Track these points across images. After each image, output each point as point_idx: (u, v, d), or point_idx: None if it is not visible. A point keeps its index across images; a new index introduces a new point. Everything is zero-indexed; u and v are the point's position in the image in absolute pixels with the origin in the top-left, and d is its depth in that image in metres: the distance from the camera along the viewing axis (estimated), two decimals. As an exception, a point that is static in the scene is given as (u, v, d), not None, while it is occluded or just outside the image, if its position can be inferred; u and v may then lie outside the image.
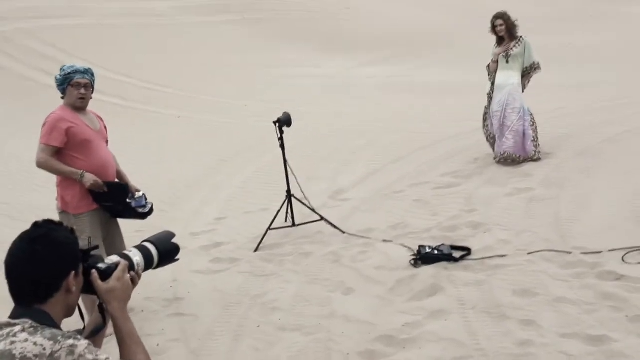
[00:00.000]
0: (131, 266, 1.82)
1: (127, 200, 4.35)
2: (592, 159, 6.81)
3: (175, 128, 11.27)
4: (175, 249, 1.93)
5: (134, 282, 1.82)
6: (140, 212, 4.41)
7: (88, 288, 1.75)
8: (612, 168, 6.47)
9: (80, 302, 1.79)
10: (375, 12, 22.38)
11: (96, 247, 1.83)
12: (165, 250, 1.90)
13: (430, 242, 5.31)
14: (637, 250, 4.59)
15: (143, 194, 4.46)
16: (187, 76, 15.08)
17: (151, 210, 4.48)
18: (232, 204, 7.15)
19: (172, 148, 9.93)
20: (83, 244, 1.79)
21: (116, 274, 1.76)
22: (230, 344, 4.00)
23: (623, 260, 4.49)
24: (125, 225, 4.62)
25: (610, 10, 21.26)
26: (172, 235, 1.96)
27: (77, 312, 1.78)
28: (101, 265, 1.76)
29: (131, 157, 8.48)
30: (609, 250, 4.65)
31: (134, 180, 4.61)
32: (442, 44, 18.48)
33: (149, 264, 1.87)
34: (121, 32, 18.19)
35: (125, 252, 1.86)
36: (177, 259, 1.93)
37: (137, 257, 1.83)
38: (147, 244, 1.88)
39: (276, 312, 4.43)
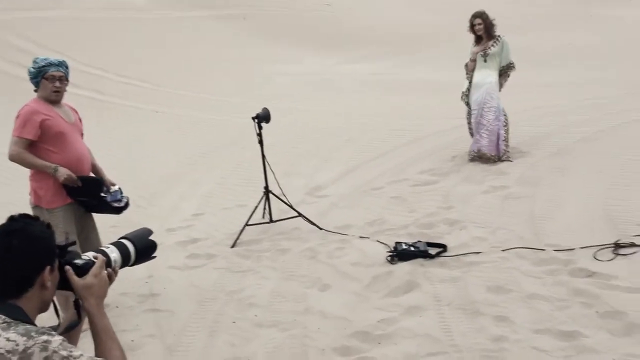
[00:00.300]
0: (108, 263, 1.81)
1: (102, 194, 4.31)
2: (567, 158, 6.91)
3: (153, 123, 11.20)
4: (153, 246, 1.93)
5: (110, 278, 1.80)
6: (116, 207, 4.37)
7: (64, 284, 1.74)
8: (585, 167, 6.56)
9: (55, 298, 1.77)
10: (358, 9, 22.41)
11: (73, 243, 1.81)
12: (143, 247, 1.89)
13: (407, 238, 5.34)
14: (608, 247, 4.67)
15: (119, 188, 4.42)
16: (166, 71, 14.98)
17: (127, 205, 4.45)
18: (210, 199, 7.12)
19: (150, 143, 9.86)
20: (60, 239, 1.77)
21: (93, 270, 1.74)
22: (205, 340, 3.99)
23: (594, 257, 4.56)
24: (101, 220, 4.58)
25: (595, 12, 21.52)
26: (150, 232, 1.95)
27: (51, 308, 1.76)
28: (78, 261, 1.74)
29: (109, 151, 8.41)
30: (581, 248, 4.72)
31: (111, 174, 4.57)
32: (424, 42, 18.56)
33: (126, 261, 1.86)
34: (99, 25, 18.00)
35: (102, 248, 1.85)
36: (154, 257, 1.92)
37: (114, 254, 1.82)
38: (125, 241, 1.87)
39: (252, 308, 4.42)
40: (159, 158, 8.93)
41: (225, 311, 4.40)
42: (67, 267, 1.72)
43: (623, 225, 5.07)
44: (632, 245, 4.65)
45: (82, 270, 1.73)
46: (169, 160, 8.80)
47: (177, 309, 4.42)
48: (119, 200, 4.38)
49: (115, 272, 1.82)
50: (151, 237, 1.93)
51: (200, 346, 3.93)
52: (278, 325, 4.14)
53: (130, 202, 4.53)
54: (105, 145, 8.98)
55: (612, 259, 4.51)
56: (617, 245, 4.68)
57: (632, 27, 17.96)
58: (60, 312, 1.88)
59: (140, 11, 19.99)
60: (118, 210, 4.40)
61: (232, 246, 5.68)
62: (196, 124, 10.87)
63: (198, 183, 7.78)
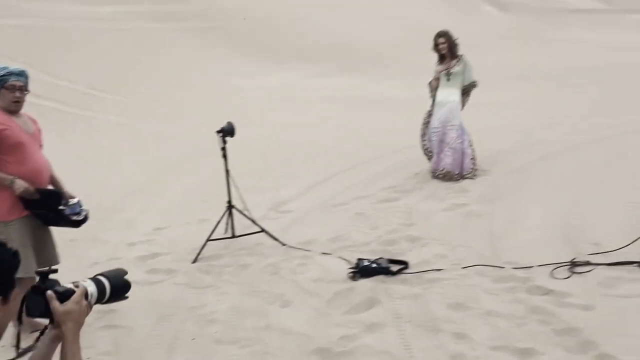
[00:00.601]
0: (85, 295, 1.84)
1: (61, 207, 4.23)
2: (526, 176, 7.05)
3: (117, 134, 11.05)
4: (127, 286, 1.98)
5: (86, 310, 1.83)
6: (74, 220, 4.28)
7: (45, 310, 1.76)
8: (544, 185, 6.71)
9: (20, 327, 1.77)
10: (326, 25, 22.58)
11: (55, 271, 1.83)
12: (118, 286, 1.95)
13: (369, 255, 5.36)
14: (564, 265, 4.76)
15: (78, 201, 4.34)
16: (131, 82, 14.82)
17: (86, 218, 4.36)
18: (172, 214, 7.05)
19: (112, 155, 9.73)
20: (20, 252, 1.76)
21: (74, 297, 1.77)
22: (164, 357, 3.93)
23: (551, 275, 4.65)
24: (59, 234, 4.48)
25: (552, 33, 22.12)
26: (125, 272, 2.01)
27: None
28: (59, 288, 1.79)
29: (70, 163, 8.25)
30: (539, 265, 4.80)
31: (71, 186, 4.49)
32: (387, 59, 18.79)
33: (100, 297, 1.90)
34: (63, 35, 17.73)
35: (80, 281, 1.89)
36: (127, 297, 1.97)
37: (91, 288, 1.86)
38: (102, 278, 1.92)
39: (213, 325, 4.38)
40: (121, 170, 8.81)
41: (185, 327, 4.34)
42: (50, 292, 1.75)
43: (579, 243, 5.18)
44: (588, 263, 4.76)
45: (64, 296, 1.77)
46: (131, 172, 8.68)
47: (135, 326, 4.34)
48: (78, 214, 4.29)
49: (90, 306, 1.84)
50: (126, 277, 1.98)
51: (159, 364, 3.86)
52: (238, 342, 4.10)
53: (90, 215, 4.45)
54: (66, 157, 8.82)
55: (568, 277, 4.60)
56: (573, 264, 4.77)
57: (594, 51, 18.51)
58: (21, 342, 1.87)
59: (105, 22, 19.78)
60: (76, 224, 4.31)
61: (194, 261, 5.62)
62: (159, 137, 10.77)
63: (160, 196, 7.70)
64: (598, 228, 5.43)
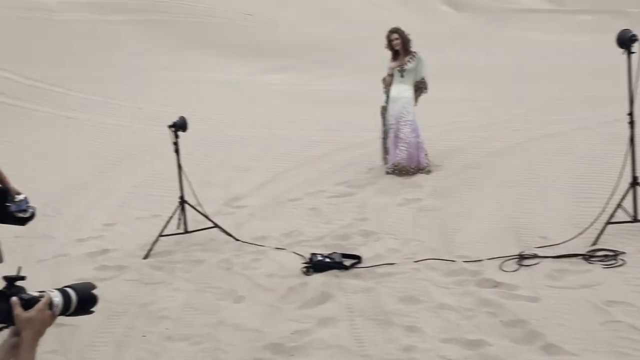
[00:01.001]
0: (50, 305, 1.79)
1: (7, 204, 4.10)
2: (477, 172, 7.17)
3: (64, 129, 10.78)
4: (94, 300, 1.95)
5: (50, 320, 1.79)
6: (20, 217, 4.16)
7: (7, 316, 1.72)
8: (494, 181, 6.84)
9: None
10: (277, 20, 22.49)
11: (22, 278, 1.78)
12: (85, 300, 1.91)
13: (323, 250, 5.38)
14: (512, 259, 4.87)
15: (24, 198, 4.21)
16: (79, 75, 14.46)
17: (32, 216, 4.24)
18: (122, 209, 6.92)
19: (60, 149, 9.48)
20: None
21: (39, 305, 1.72)
22: (112, 355, 3.86)
23: (500, 268, 4.75)
24: (4, 231, 4.34)
25: (505, 33, 22.56)
26: (94, 286, 1.97)
27: None
28: (24, 295, 1.74)
29: (15, 157, 8.01)
30: (488, 259, 4.90)
31: (16, 182, 4.35)
32: (343, 55, 18.84)
33: (65, 309, 1.85)
34: (6, 25, 17.15)
35: (47, 291, 1.84)
36: (93, 311, 1.93)
37: (57, 298, 1.81)
38: (69, 290, 1.87)
39: (164, 321, 4.32)
40: (67, 165, 8.60)
41: (134, 324, 4.27)
42: (14, 299, 1.71)
43: (527, 237, 5.30)
44: (535, 256, 4.88)
45: (29, 304, 1.73)
46: (78, 167, 8.49)
47: (82, 323, 4.23)
48: (24, 211, 4.17)
49: (54, 316, 1.80)
50: (94, 292, 1.95)
51: (107, 361, 3.79)
52: (190, 338, 4.06)
53: (37, 212, 4.32)
54: (9, 152, 8.57)
55: (516, 270, 4.71)
56: (521, 257, 4.89)
57: (545, 50, 18.95)
58: None
59: (52, 12, 19.22)
60: (22, 221, 4.19)
61: (145, 257, 5.54)
62: (109, 131, 10.55)
63: (110, 192, 7.54)
64: (545, 222, 5.57)
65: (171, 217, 5.84)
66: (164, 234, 5.73)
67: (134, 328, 4.22)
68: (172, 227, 5.86)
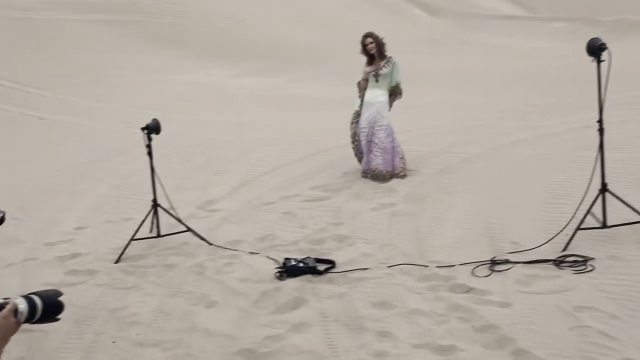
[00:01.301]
0: (15, 312, 1.78)
1: None
2: (450, 177, 7.22)
3: (36, 130, 10.61)
4: (60, 308, 1.92)
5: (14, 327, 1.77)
6: None
7: None
8: (467, 186, 6.89)
9: None
10: (254, 23, 22.43)
11: None
12: (51, 307, 1.89)
13: (297, 254, 5.37)
14: (485, 264, 4.91)
15: None
16: (52, 75, 14.25)
17: (2, 219, 4.17)
18: (94, 212, 6.83)
19: (31, 151, 9.33)
20: None
21: (4, 312, 1.72)
22: (81, 362, 3.80)
23: (472, 273, 4.79)
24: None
25: (479, 38, 22.76)
26: (60, 294, 1.94)
27: None
28: None
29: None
30: (461, 264, 4.94)
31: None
32: (317, 59, 18.85)
33: (31, 316, 1.84)
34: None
35: (11, 298, 1.83)
36: (59, 319, 1.90)
37: (22, 305, 1.81)
38: (35, 297, 1.87)
39: (134, 327, 4.27)
40: (40, 167, 8.46)
41: (104, 330, 4.21)
42: None
43: (499, 242, 5.35)
44: (507, 262, 4.93)
45: None
46: (49, 169, 8.36)
47: (50, 330, 4.17)
48: None
49: (19, 324, 1.78)
50: (60, 299, 1.92)
51: (75, 368, 3.73)
52: (161, 344, 4.02)
53: (7, 215, 4.24)
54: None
55: (488, 275, 4.75)
56: (493, 262, 4.93)
57: (517, 56, 19.17)
58: None
59: (26, 11, 18.92)
60: None
61: (116, 261, 5.48)
62: (82, 132, 10.41)
63: (81, 194, 7.44)
64: (516, 228, 5.63)
65: (143, 221, 5.79)
66: (136, 237, 5.67)
67: (104, 334, 4.16)
68: (144, 231, 5.81)
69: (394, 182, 7.21)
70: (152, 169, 5.85)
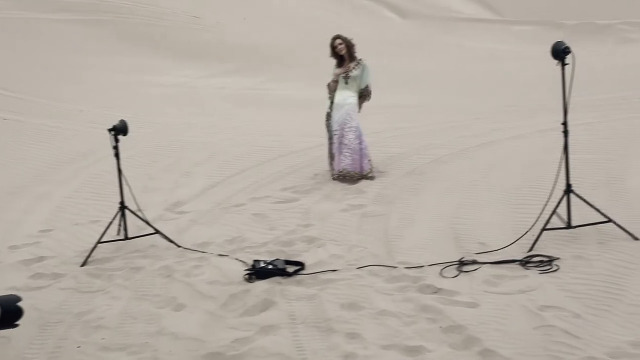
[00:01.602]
0: None
1: None
2: (420, 179, 7.27)
3: (0, 131, 10.38)
4: (19, 313, 1.87)
5: None
6: None
7: None
8: (436, 187, 6.95)
9: None
10: (226, 23, 22.31)
11: None
12: (9, 313, 1.83)
13: (267, 256, 5.35)
14: (453, 265, 4.96)
15: None
16: (17, 75, 13.97)
17: None
18: (60, 214, 6.72)
19: (-6, 152, 9.13)
20: None
21: None
22: (45, 367, 3.73)
23: (441, 274, 4.83)
24: None
25: (449, 41, 22.97)
26: (19, 299, 1.90)
27: None
28: None
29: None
30: (429, 265, 4.97)
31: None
32: (291, 60, 18.83)
33: None
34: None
35: None
36: (18, 324, 1.85)
37: None
38: None
39: (100, 331, 4.21)
40: (4, 168, 8.29)
41: (69, 335, 4.14)
42: None
43: (467, 243, 5.41)
44: (474, 262, 4.98)
45: None
46: (16, 171, 8.19)
47: (13, 335, 4.06)
48: None
49: None
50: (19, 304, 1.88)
51: (38, 374, 3.66)
52: (127, 348, 3.97)
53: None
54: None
55: (456, 276, 4.79)
56: (461, 263, 4.98)
57: (485, 59, 19.40)
58: None
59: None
60: None
61: (82, 265, 5.40)
62: (48, 133, 10.22)
63: (47, 196, 7.31)
64: (484, 228, 5.70)
65: (110, 223, 5.72)
66: (102, 240, 5.60)
67: (68, 339, 4.09)
68: (111, 233, 5.74)
69: (364, 183, 7.24)
70: (119, 171, 5.78)
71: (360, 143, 7.40)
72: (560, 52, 5.01)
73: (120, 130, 5.73)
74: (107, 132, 5.72)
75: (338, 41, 7.39)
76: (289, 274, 4.99)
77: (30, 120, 11.01)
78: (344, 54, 7.40)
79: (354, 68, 7.41)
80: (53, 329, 4.22)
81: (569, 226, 5.21)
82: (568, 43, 5.09)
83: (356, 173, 7.36)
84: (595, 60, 15.33)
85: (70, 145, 9.51)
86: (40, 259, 5.58)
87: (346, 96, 7.42)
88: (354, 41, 7.48)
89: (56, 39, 17.80)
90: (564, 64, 5.04)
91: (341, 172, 7.38)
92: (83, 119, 11.20)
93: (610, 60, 17.21)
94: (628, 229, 5.16)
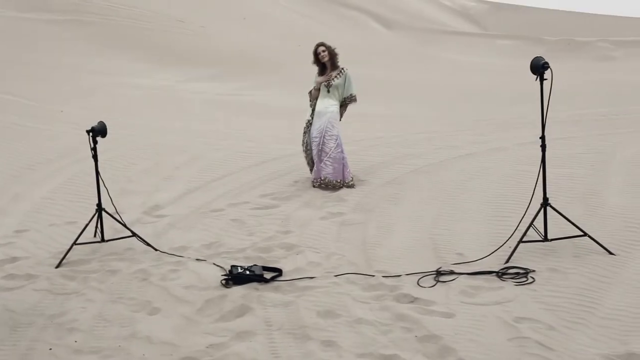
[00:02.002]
0: None
1: None
2: (399, 188, 7.30)
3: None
4: None
5: None
6: None
7: None
8: (415, 197, 6.98)
9: None
10: (209, 28, 22.27)
11: None
12: None
13: (244, 262, 5.33)
14: (430, 274, 4.98)
15: None
16: (-3, 73, 13.81)
17: None
18: (36, 215, 6.63)
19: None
20: None
21: None
22: (15, 369, 3.66)
23: (418, 284, 4.84)
24: None
25: (432, 53, 23.18)
26: None
27: None
28: None
29: None
30: (407, 274, 4.99)
31: None
32: (272, 67, 18.86)
33: None
34: None
35: None
36: None
37: None
38: None
39: (73, 334, 4.15)
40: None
41: (41, 337, 4.08)
42: None
43: (444, 253, 5.44)
44: (452, 272, 5.00)
45: None
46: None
47: (-16, 336, 4.03)
48: None
49: None
50: None
51: (8, 376, 3.60)
52: (99, 351, 3.92)
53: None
54: None
55: (433, 286, 4.81)
56: (439, 273, 5.00)
57: (468, 71, 19.60)
58: None
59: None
60: None
61: (57, 266, 5.33)
62: (25, 133, 10.10)
63: (23, 197, 7.21)
64: (462, 239, 5.73)
65: (87, 225, 5.66)
66: (78, 242, 5.53)
67: (41, 341, 4.03)
68: (88, 235, 5.68)
69: (344, 191, 7.25)
70: (97, 172, 5.72)
71: (341, 152, 7.42)
72: (539, 67, 5.07)
73: (98, 131, 5.68)
74: (86, 134, 5.67)
75: (322, 48, 7.41)
76: (266, 280, 4.98)
77: (8, 119, 10.87)
78: (326, 61, 7.43)
79: (336, 77, 7.44)
80: (25, 331, 4.15)
81: (545, 239, 5.26)
82: (548, 59, 5.16)
83: (337, 182, 7.37)
84: (574, 76, 15.56)
85: (48, 145, 9.41)
86: (14, 259, 5.51)
87: (328, 104, 7.44)
88: (337, 50, 7.52)
89: (37, 38, 17.64)
90: (542, 79, 5.11)
91: (323, 180, 7.38)
92: (62, 119, 11.10)
93: (589, 76, 17.49)
94: (603, 244, 5.23)
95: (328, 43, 7.54)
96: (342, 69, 7.50)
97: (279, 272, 5.15)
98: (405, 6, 31.89)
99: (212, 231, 6.14)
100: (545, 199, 5.31)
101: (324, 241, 5.85)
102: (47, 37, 17.91)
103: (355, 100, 7.53)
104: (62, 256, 5.42)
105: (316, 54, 7.43)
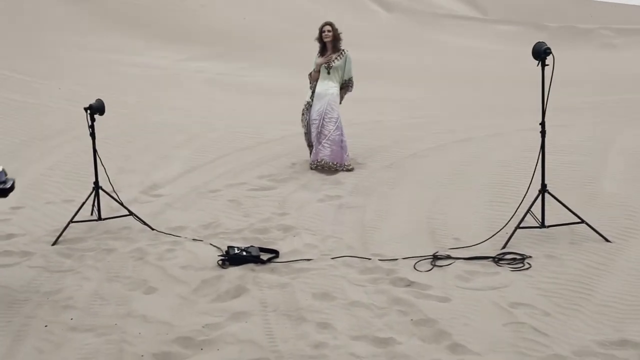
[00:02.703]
0: None
1: None
2: (398, 172, 7.28)
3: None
4: None
5: None
6: (1, 189, 3.98)
7: None
8: (413, 181, 6.97)
9: None
10: (209, 7, 22.08)
11: None
12: None
13: (241, 243, 5.33)
14: (427, 259, 4.98)
15: (2, 170, 4.03)
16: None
17: (13, 187, 4.06)
18: (32, 192, 6.61)
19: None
20: None
21: None
22: (10, 346, 3.67)
23: (414, 267, 4.85)
24: None
25: (432, 36, 23.02)
26: None
27: None
28: None
29: None
30: (403, 258, 4.99)
31: None
32: (274, 47, 18.72)
33: None
34: None
35: None
36: None
37: None
38: None
39: (69, 311, 4.16)
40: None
41: (36, 314, 4.08)
42: None
43: (442, 238, 5.44)
44: (448, 257, 5.01)
45: None
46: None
47: (-21, 312, 4.03)
48: (4, 182, 4.01)
49: None
50: None
51: (2, 353, 3.60)
52: (95, 329, 3.92)
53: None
54: None
55: (429, 270, 4.82)
56: (435, 257, 5.01)
57: (468, 56, 19.48)
58: None
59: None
60: (4, 193, 4.00)
61: (53, 244, 5.32)
62: (23, 109, 10.03)
63: (20, 173, 7.16)
64: (459, 224, 5.73)
65: (84, 203, 5.64)
66: (75, 220, 5.52)
67: (36, 317, 4.03)
68: (85, 214, 5.66)
69: (342, 174, 7.23)
70: (95, 150, 5.69)
71: (340, 135, 7.38)
72: (541, 53, 5.04)
73: (96, 109, 5.64)
74: (83, 111, 5.63)
75: (327, 27, 7.35)
76: (263, 262, 4.98)
77: (5, 96, 10.80)
78: (328, 42, 7.37)
79: (336, 58, 7.38)
80: (20, 307, 4.15)
81: (542, 225, 5.26)
82: (549, 45, 5.12)
83: (334, 164, 7.35)
84: (576, 63, 15.48)
85: (46, 122, 9.36)
86: (10, 236, 5.50)
87: (328, 86, 7.40)
88: (342, 36, 7.46)
89: (36, 15, 17.47)
90: (544, 65, 5.07)
91: (319, 162, 7.36)
92: (60, 96, 11.02)
93: (591, 64, 17.40)
94: (600, 231, 5.23)
95: (336, 25, 7.46)
96: (343, 50, 7.44)
97: (275, 253, 5.15)
98: (406, -11, 31.62)
99: (209, 211, 6.13)
100: (544, 185, 5.30)
101: (321, 224, 5.84)
102: (46, 14, 17.74)
103: (352, 83, 7.47)
104: (58, 234, 5.42)
105: (321, 32, 7.37)
